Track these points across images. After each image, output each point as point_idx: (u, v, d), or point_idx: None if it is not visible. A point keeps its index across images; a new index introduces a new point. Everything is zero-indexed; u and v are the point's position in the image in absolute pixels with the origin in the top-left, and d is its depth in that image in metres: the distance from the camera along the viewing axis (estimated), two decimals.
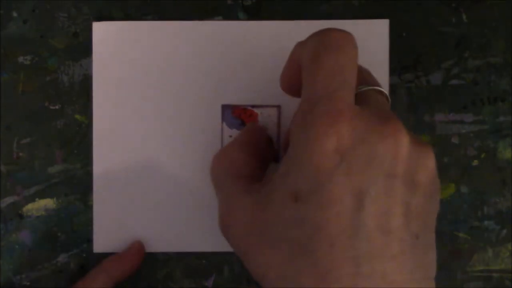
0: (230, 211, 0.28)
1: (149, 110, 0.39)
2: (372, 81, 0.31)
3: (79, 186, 0.39)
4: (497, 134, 0.40)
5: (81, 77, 0.39)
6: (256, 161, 0.31)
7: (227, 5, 0.40)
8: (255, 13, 0.39)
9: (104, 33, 0.39)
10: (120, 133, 0.39)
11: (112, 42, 0.39)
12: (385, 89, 0.39)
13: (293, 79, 0.29)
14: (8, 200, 0.39)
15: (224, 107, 0.39)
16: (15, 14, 0.39)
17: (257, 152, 0.32)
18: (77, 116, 0.39)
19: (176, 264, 0.39)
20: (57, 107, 0.39)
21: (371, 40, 0.39)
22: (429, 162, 0.26)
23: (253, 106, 0.39)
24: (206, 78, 0.39)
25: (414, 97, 0.39)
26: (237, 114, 0.39)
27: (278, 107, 0.39)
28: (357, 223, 0.24)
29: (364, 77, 0.30)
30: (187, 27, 0.39)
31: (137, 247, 0.38)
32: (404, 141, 0.25)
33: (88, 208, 0.39)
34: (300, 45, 0.29)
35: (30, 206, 0.39)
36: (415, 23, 0.40)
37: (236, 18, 0.39)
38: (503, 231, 0.39)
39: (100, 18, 0.39)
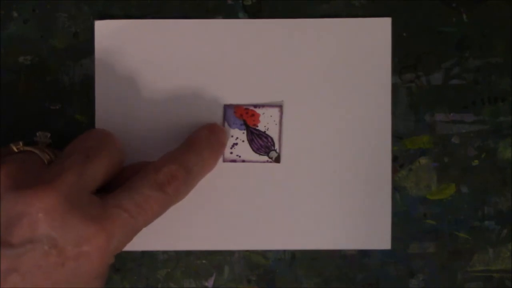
0: None
1: (150, 109, 0.39)
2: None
3: None
4: (497, 134, 0.40)
5: (81, 77, 0.39)
6: None
7: (227, 5, 0.40)
8: (255, 13, 0.39)
9: (106, 32, 0.39)
10: (121, 132, 0.39)
11: (114, 40, 0.39)
12: (387, 88, 0.39)
13: None
14: None
15: (226, 107, 0.39)
16: (15, 14, 0.39)
17: None
18: (77, 116, 0.39)
19: (176, 264, 0.39)
20: (57, 107, 0.39)
21: (373, 39, 0.39)
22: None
23: (255, 106, 0.39)
24: (208, 77, 0.39)
25: (415, 97, 0.39)
26: (239, 114, 0.39)
27: (280, 107, 0.39)
28: None
29: None
30: (190, 26, 0.39)
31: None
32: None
33: None
34: None
35: None
36: (415, 23, 0.40)
37: (237, 17, 0.39)
38: (503, 231, 0.39)
39: (100, 18, 0.39)
